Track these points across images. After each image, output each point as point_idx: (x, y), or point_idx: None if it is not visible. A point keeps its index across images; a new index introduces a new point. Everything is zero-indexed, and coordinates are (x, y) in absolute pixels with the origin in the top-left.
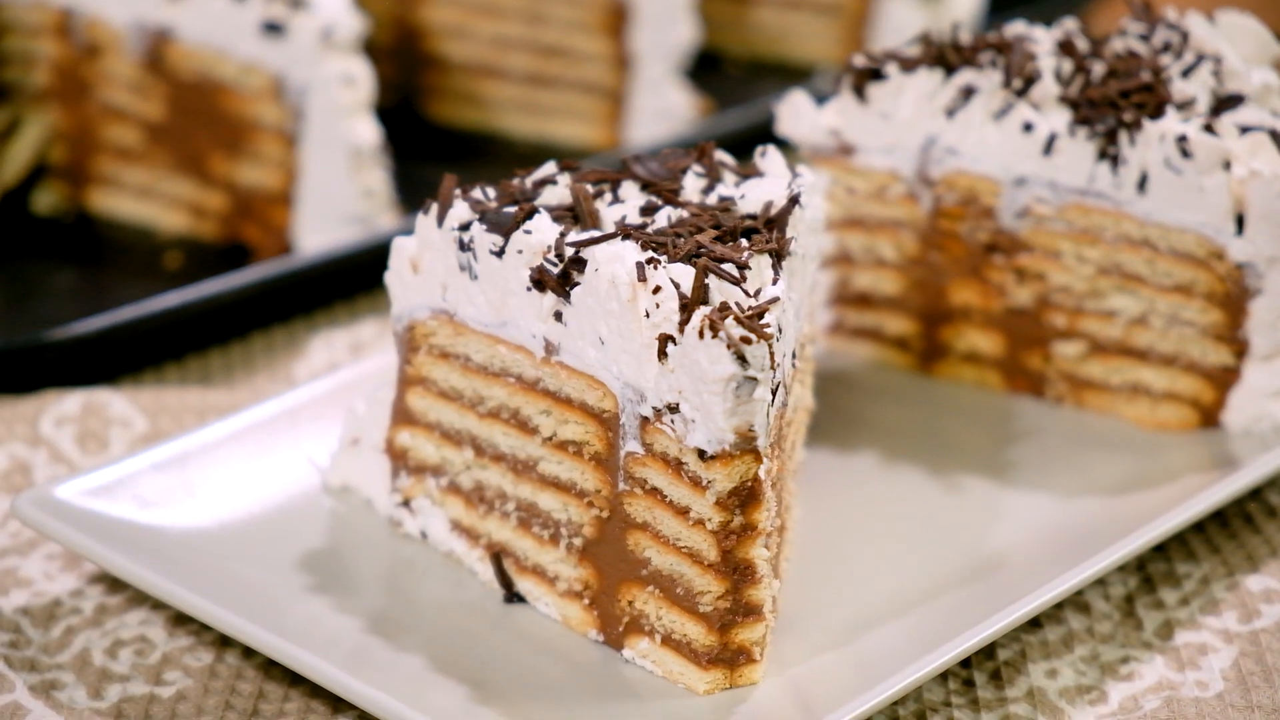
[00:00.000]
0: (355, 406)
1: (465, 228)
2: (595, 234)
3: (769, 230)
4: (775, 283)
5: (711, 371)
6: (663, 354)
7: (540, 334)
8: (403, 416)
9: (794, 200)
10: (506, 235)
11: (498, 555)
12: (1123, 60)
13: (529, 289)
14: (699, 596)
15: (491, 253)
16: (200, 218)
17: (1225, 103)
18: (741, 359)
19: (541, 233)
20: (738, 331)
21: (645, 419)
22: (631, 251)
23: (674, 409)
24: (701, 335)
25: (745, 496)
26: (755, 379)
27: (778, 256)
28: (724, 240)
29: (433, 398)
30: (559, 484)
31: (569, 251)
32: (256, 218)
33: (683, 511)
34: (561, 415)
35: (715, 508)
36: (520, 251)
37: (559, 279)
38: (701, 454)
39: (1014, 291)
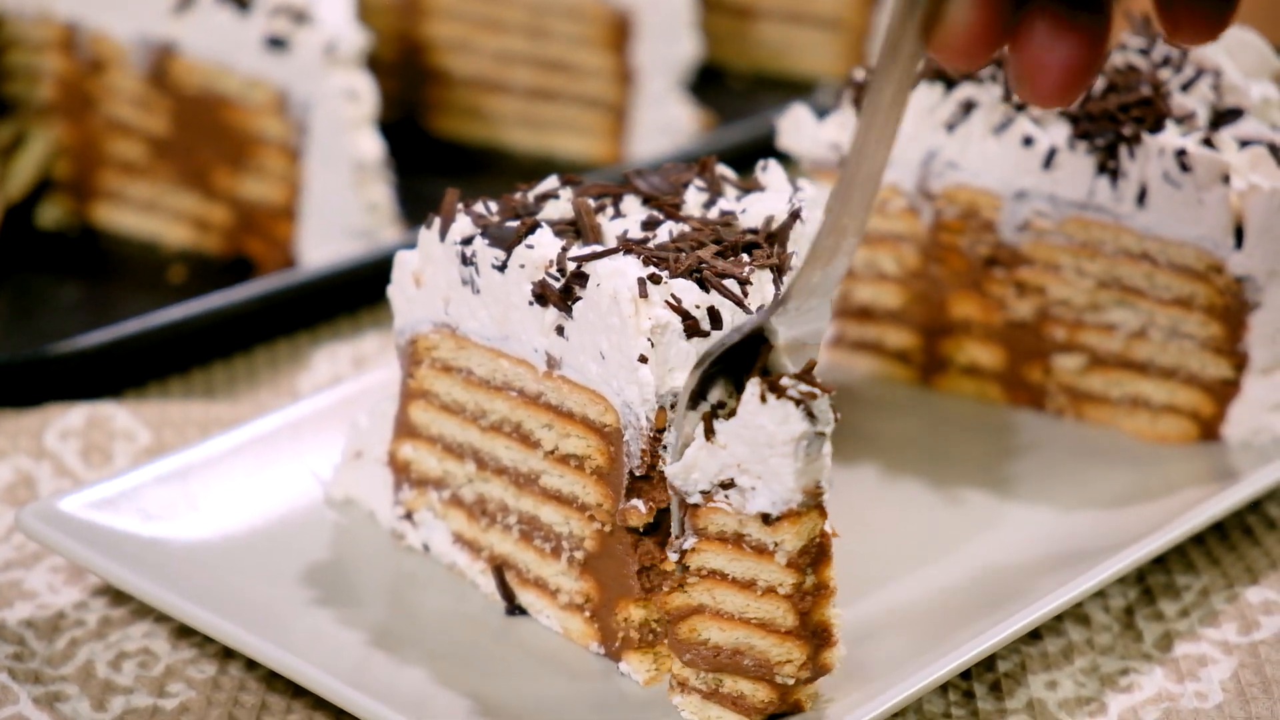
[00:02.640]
0: (358, 420)
1: (467, 242)
2: (597, 248)
3: (770, 245)
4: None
5: (781, 433)
6: (710, 433)
7: (542, 348)
8: (405, 430)
9: (795, 215)
10: (509, 249)
11: (500, 568)
12: (1122, 74)
13: (531, 303)
14: (778, 667)
15: (494, 267)
16: (204, 232)
17: (1224, 117)
18: (811, 415)
19: (543, 247)
20: (801, 389)
21: (694, 506)
22: (633, 266)
23: (728, 485)
24: (764, 399)
25: (815, 554)
26: (824, 434)
27: (779, 271)
28: (725, 255)
29: (435, 411)
30: (560, 497)
31: (571, 266)
32: (260, 231)
33: (748, 585)
34: (563, 429)
35: (787, 570)
36: (522, 266)
37: (561, 293)
38: (766, 518)
39: (1014, 305)
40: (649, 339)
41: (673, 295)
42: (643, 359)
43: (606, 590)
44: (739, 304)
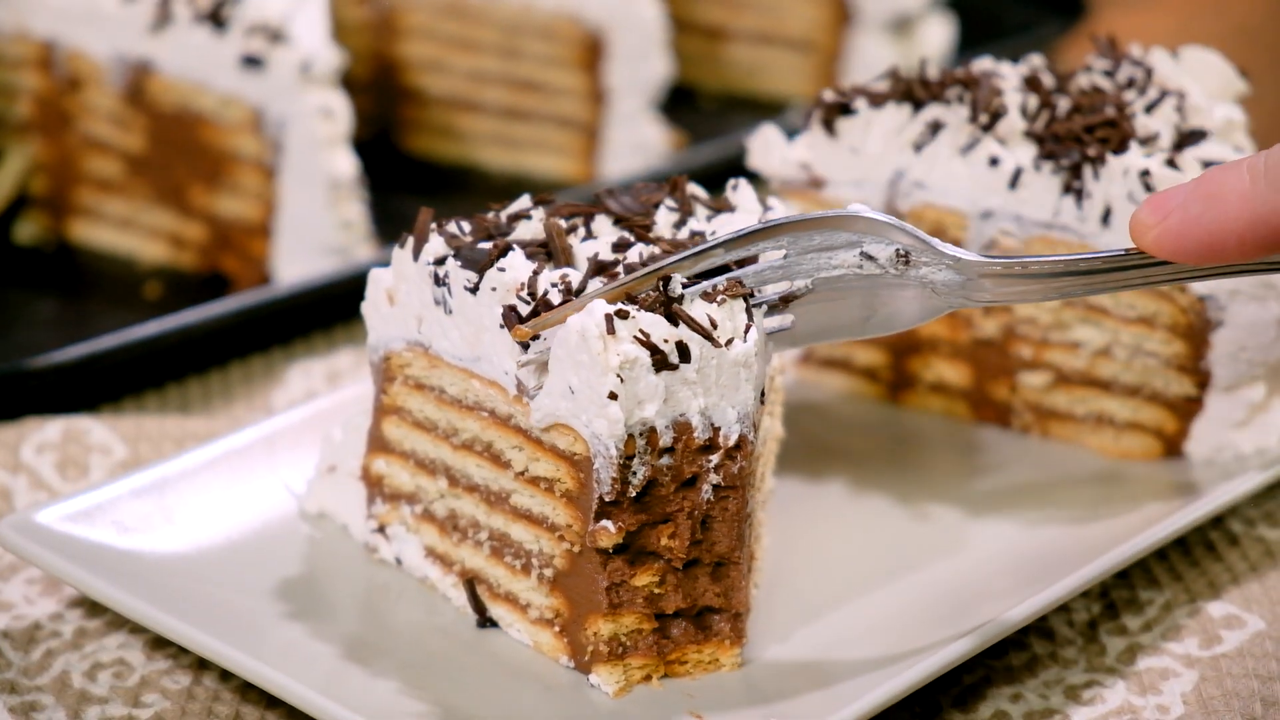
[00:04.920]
0: (332, 434)
1: (440, 262)
2: (570, 277)
3: (739, 267)
4: (749, 329)
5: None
6: None
7: (512, 371)
8: (378, 444)
9: None
10: (481, 272)
11: (471, 581)
12: (1087, 96)
13: (501, 326)
14: None
15: (466, 289)
16: (180, 248)
17: (1188, 138)
18: None
19: (515, 270)
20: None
21: None
22: (600, 304)
23: None
24: None
25: None
26: None
27: (748, 300)
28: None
29: (408, 427)
30: (530, 517)
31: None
32: (235, 248)
33: None
34: (533, 452)
35: None
36: (494, 289)
37: (521, 322)
38: None
39: (980, 323)
40: (618, 374)
41: (641, 330)
42: (613, 395)
43: (575, 606)
44: (707, 337)
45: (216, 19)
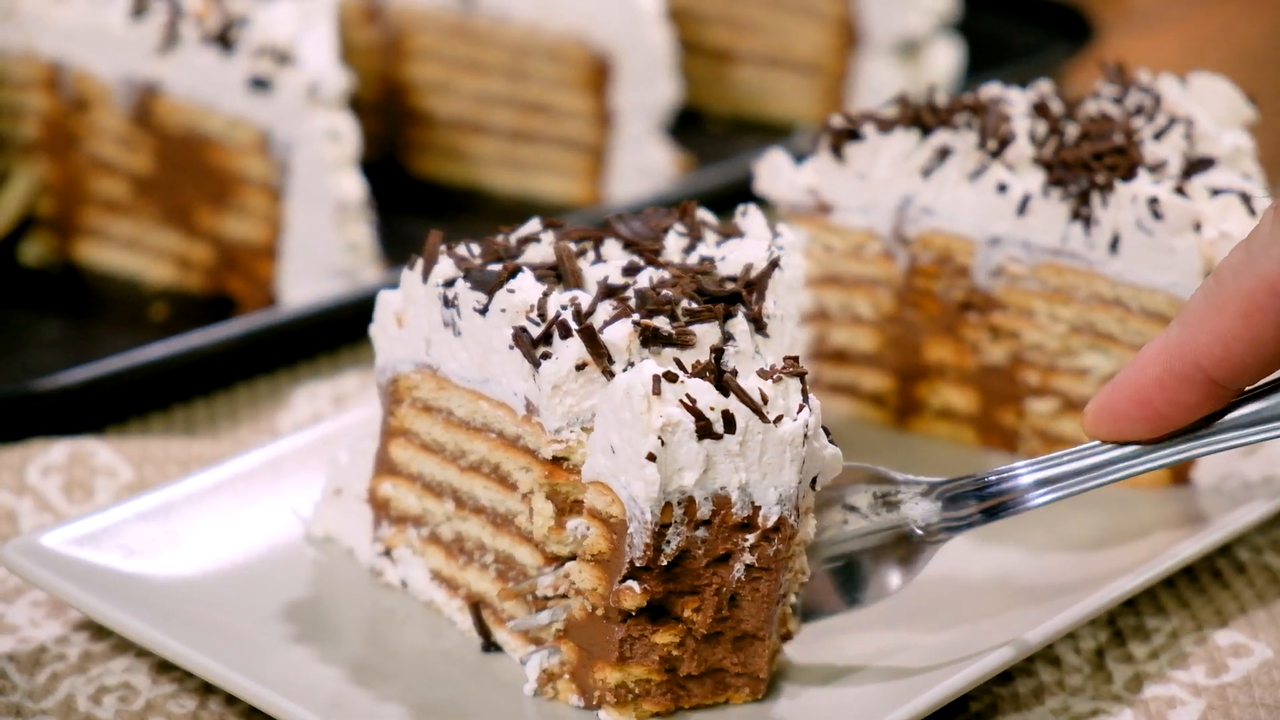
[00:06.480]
0: (338, 457)
1: (450, 284)
2: (579, 300)
3: (749, 293)
4: (801, 409)
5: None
6: None
7: (521, 392)
8: (385, 467)
9: (773, 264)
10: (490, 293)
11: (476, 605)
12: (1096, 122)
13: (511, 347)
14: None
15: (475, 310)
16: (186, 270)
17: (1196, 165)
18: None
19: (525, 292)
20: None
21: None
22: (650, 363)
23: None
24: None
25: None
26: None
27: (759, 325)
28: (703, 299)
29: (415, 449)
30: (535, 541)
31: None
32: (242, 270)
33: None
34: (541, 472)
35: None
36: (503, 310)
37: (533, 342)
38: None
39: (988, 349)
40: (659, 437)
41: (688, 395)
42: (651, 457)
43: (583, 654)
44: (756, 411)
45: (224, 41)
